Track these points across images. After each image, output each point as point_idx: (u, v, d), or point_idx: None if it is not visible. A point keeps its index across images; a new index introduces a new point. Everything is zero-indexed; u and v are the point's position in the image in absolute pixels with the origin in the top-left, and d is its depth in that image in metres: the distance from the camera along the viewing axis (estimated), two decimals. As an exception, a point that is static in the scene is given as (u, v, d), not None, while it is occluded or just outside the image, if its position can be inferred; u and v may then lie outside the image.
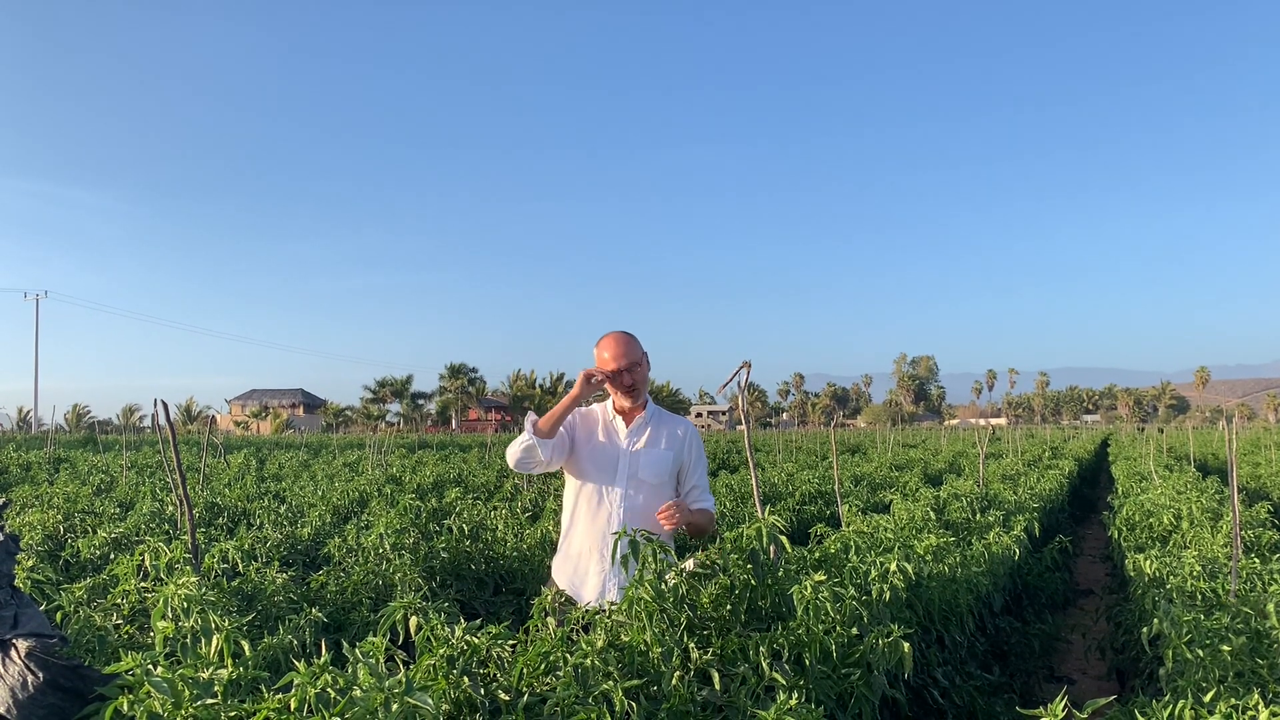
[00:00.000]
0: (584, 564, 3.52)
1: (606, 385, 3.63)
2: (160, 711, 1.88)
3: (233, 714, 1.96)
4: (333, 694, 1.89)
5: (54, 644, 2.14)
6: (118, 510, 7.46)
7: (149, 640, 3.30)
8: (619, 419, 3.67)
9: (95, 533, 5.81)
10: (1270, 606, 3.25)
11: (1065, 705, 2.07)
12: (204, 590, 2.90)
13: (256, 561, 4.50)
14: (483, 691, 2.21)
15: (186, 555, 3.77)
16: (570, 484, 3.69)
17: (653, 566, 2.63)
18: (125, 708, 1.93)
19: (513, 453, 3.51)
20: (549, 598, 2.88)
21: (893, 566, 3.36)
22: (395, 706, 1.83)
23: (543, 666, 2.32)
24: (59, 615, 3.52)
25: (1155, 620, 3.43)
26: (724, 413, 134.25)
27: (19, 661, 2.10)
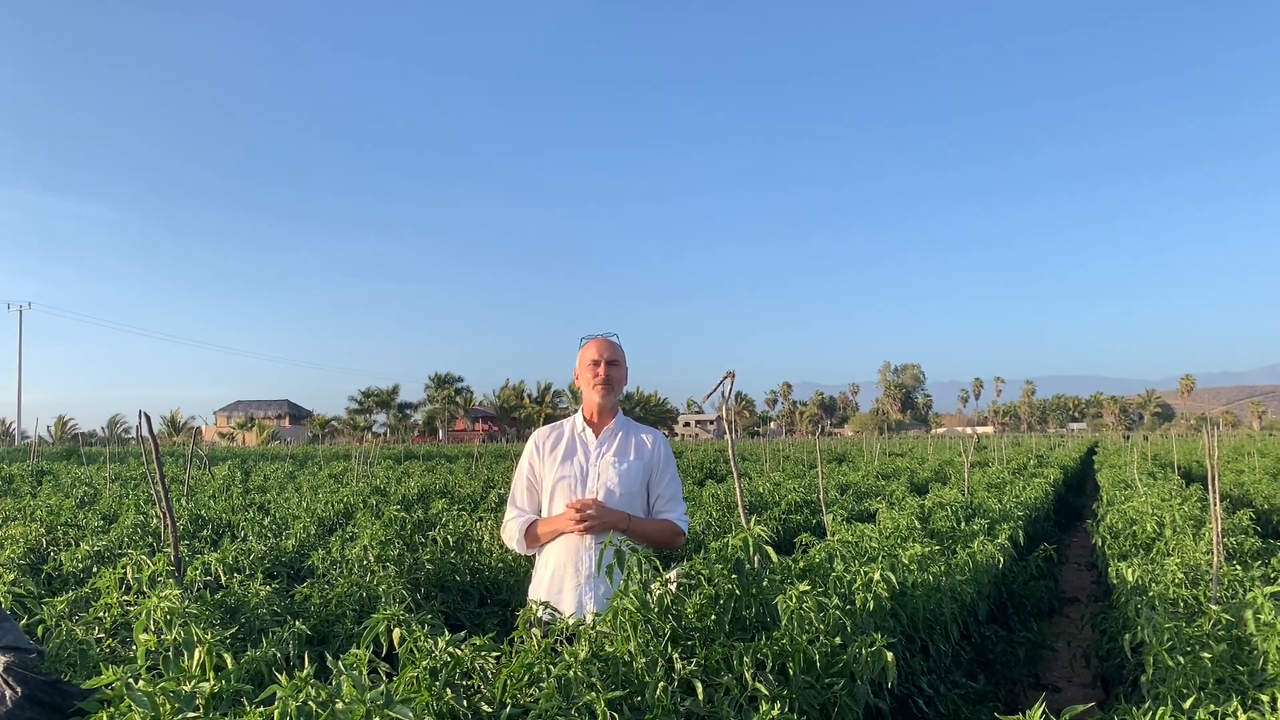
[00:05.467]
0: (559, 581, 3.48)
1: (582, 387, 3.68)
2: (141, 726, 1.87)
3: (214, 728, 1.95)
4: (314, 707, 1.89)
5: (32, 658, 2.13)
6: (101, 523, 7.41)
7: (131, 654, 3.28)
8: (588, 430, 3.65)
9: (78, 546, 5.78)
10: (1250, 614, 3.27)
11: (1044, 712, 2.08)
12: (186, 603, 2.89)
13: (240, 574, 4.48)
14: (465, 703, 2.21)
15: (169, 568, 3.75)
16: (544, 507, 3.66)
17: (638, 577, 2.63)
18: (105, 722, 1.92)
19: (512, 545, 3.69)
20: (535, 609, 2.87)
21: (876, 575, 3.37)
22: (377, 719, 1.82)
23: (526, 678, 2.31)
24: (40, 629, 3.50)
25: (1137, 627, 3.45)
26: (711, 422, 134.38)
27: (-2, 676, 2.08)
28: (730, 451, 3.88)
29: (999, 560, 5.60)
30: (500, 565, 5.60)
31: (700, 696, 2.34)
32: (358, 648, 2.28)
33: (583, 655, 2.36)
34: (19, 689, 2.08)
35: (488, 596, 5.46)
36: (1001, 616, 6.44)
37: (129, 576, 3.72)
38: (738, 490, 3.76)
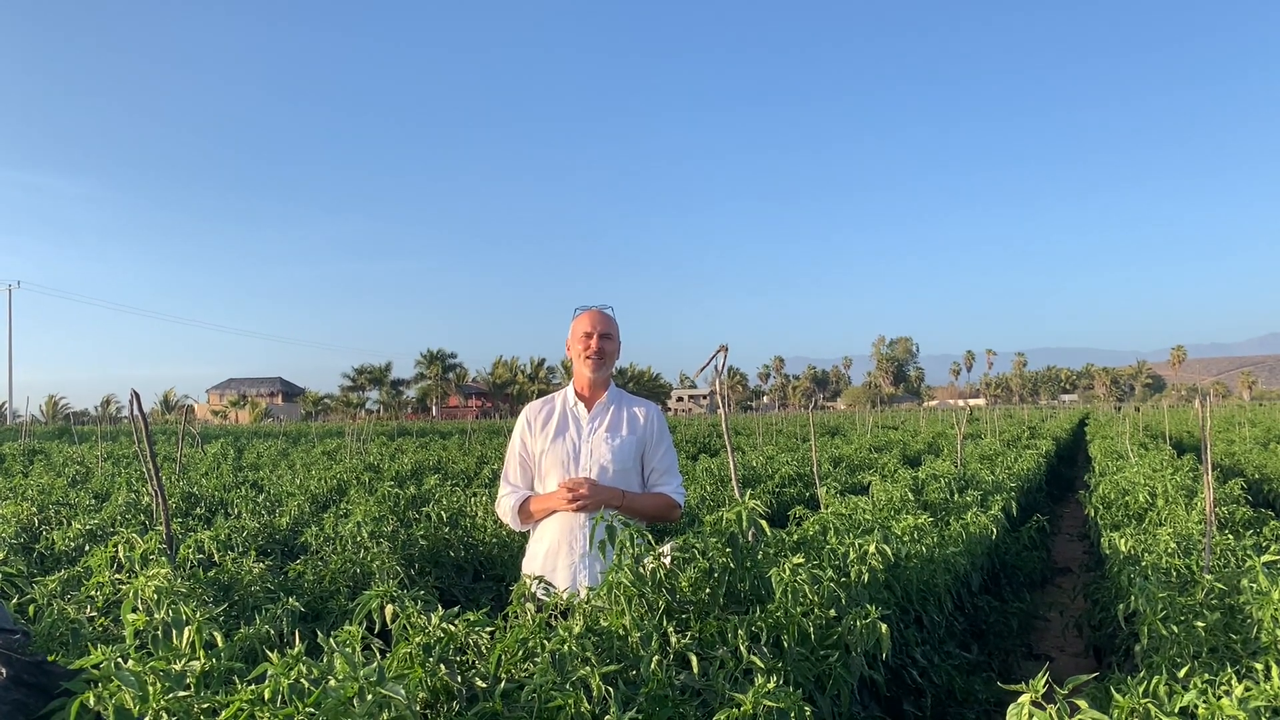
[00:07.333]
0: (553, 558, 3.44)
1: (573, 360, 3.62)
2: (129, 705, 1.85)
3: (205, 706, 1.94)
4: (306, 684, 1.87)
5: (17, 639, 2.11)
6: (93, 502, 7.38)
7: (124, 633, 3.26)
8: (580, 404, 3.59)
9: (70, 524, 5.76)
10: (1244, 582, 3.28)
11: (1047, 681, 2.07)
12: (177, 581, 2.87)
13: (233, 551, 4.46)
14: (460, 679, 2.20)
15: (162, 546, 3.73)
16: (537, 484, 3.60)
17: (630, 551, 2.62)
18: (93, 702, 1.90)
19: (506, 521, 3.64)
20: (529, 584, 2.86)
21: (871, 548, 3.36)
22: (369, 696, 1.81)
23: (520, 653, 2.30)
24: (32, 608, 3.48)
25: (1131, 597, 3.46)
26: (704, 396, 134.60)
27: (-16, 657, 2.06)
28: (724, 425, 3.87)
29: (992, 531, 5.62)
30: (494, 541, 5.60)
31: (695, 669, 2.33)
32: (351, 624, 2.26)
33: (577, 630, 2.35)
34: (3, 670, 2.06)
35: (482, 572, 5.46)
36: (995, 587, 6.47)
37: (121, 555, 3.69)
38: (731, 464, 3.74)
